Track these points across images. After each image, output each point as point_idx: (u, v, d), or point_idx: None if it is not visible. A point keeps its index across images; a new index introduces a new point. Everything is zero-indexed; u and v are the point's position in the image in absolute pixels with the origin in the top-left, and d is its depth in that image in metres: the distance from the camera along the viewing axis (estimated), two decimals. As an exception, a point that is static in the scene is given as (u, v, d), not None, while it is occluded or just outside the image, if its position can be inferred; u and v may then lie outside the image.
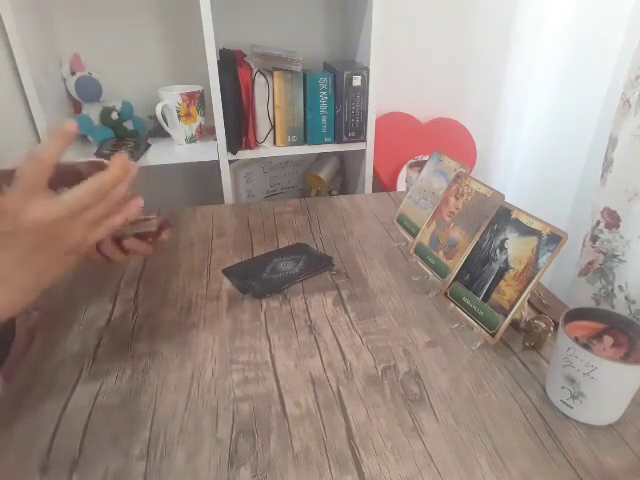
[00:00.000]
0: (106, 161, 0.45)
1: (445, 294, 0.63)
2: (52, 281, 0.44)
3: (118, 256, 0.56)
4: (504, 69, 1.38)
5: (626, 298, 0.84)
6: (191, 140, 1.14)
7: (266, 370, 0.54)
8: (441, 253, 0.67)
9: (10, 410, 0.49)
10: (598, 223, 0.86)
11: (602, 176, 0.85)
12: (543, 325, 0.56)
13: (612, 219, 0.83)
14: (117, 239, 0.55)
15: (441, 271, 0.66)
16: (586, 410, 0.46)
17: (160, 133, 1.15)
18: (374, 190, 1.20)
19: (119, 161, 0.43)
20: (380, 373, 0.53)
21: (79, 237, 0.43)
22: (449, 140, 1.40)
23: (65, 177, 0.46)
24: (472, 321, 0.58)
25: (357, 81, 1.07)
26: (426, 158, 0.79)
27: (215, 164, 1.09)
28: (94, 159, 0.45)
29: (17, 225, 0.39)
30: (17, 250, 0.40)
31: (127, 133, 1.15)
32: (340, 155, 1.36)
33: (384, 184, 1.35)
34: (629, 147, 0.79)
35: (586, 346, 0.45)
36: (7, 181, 0.41)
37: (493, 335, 0.55)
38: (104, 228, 0.44)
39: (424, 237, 0.71)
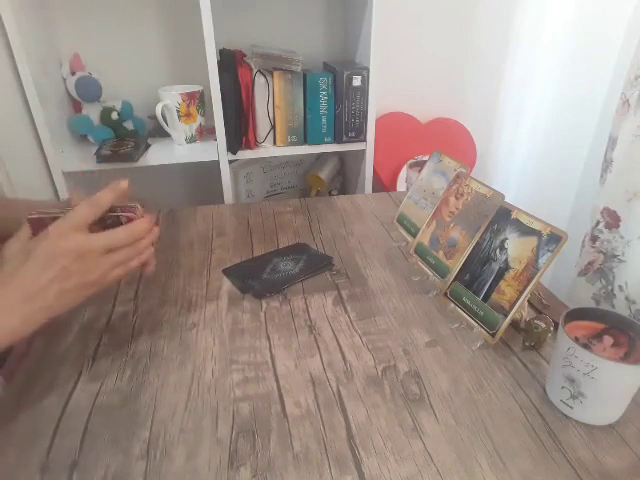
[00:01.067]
0: (139, 206, 0.53)
1: (445, 294, 0.63)
2: (63, 310, 0.47)
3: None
4: (504, 69, 1.38)
5: (626, 298, 0.84)
6: (191, 140, 1.14)
7: (266, 370, 0.54)
8: (441, 253, 0.67)
9: (10, 410, 0.49)
10: (598, 223, 0.86)
11: (602, 176, 0.85)
12: (543, 325, 0.56)
13: (612, 219, 0.83)
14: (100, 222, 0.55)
15: (441, 271, 0.66)
16: (586, 410, 0.46)
17: (160, 133, 1.15)
18: (374, 190, 1.20)
19: (148, 218, 0.52)
20: (380, 373, 0.53)
21: (105, 273, 0.49)
22: (449, 140, 1.40)
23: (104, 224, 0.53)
24: (472, 321, 0.58)
25: (357, 81, 1.07)
26: (426, 158, 0.79)
27: (215, 164, 1.09)
28: (128, 205, 0.53)
29: (57, 250, 0.45)
30: (49, 272, 0.45)
31: (127, 133, 1.15)
32: (340, 155, 1.36)
33: (384, 184, 1.35)
34: (629, 147, 0.79)
35: (586, 346, 0.45)
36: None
37: (493, 335, 0.55)
38: (124, 271, 0.51)
39: (424, 237, 0.71)
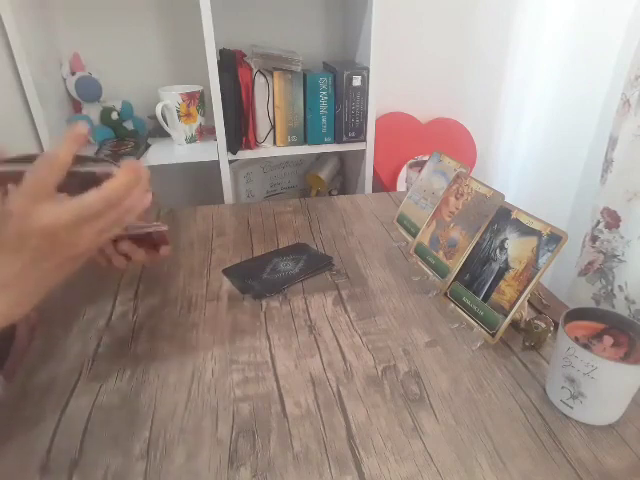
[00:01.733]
0: (115, 167, 0.43)
1: (445, 294, 0.63)
2: (52, 287, 0.43)
3: (118, 260, 0.56)
4: (504, 69, 1.38)
5: (626, 298, 0.84)
6: (191, 140, 1.14)
7: (266, 370, 0.54)
8: (441, 253, 0.67)
9: (10, 410, 0.49)
10: (598, 223, 0.86)
11: (602, 176, 0.85)
12: (543, 325, 0.56)
13: (612, 219, 0.83)
14: (113, 241, 0.55)
15: (441, 271, 0.66)
16: (586, 410, 0.46)
17: (160, 133, 1.15)
18: (374, 190, 1.20)
19: (129, 167, 0.42)
20: (380, 373, 0.53)
21: (86, 244, 0.42)
22: (449, 140, 1.40)
23: (78, 182, 0.44)
24: (472, 321, 0.58)
25: (357, 81, 1.07)
26: (426, 158, 0.79)
27: (215, 164, 1.09)
28: (104, 165, 0.44)
29: (23, 230, 0.39)
30: (21, 256, 0.39)
31: (127, 133, 1.15)
32: (340, 155, 1.36)
33: (384, 184, 1.35)
34: (629, 147, 0.79)
35: (586, 346, 0.45)
36: (15, 181, 0.39)
37: (493, 335, 0.55)
38: (110, 234, 0.44)
39: (424, 237, 0.71)
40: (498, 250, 0.57)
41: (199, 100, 1.10)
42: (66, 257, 0.42)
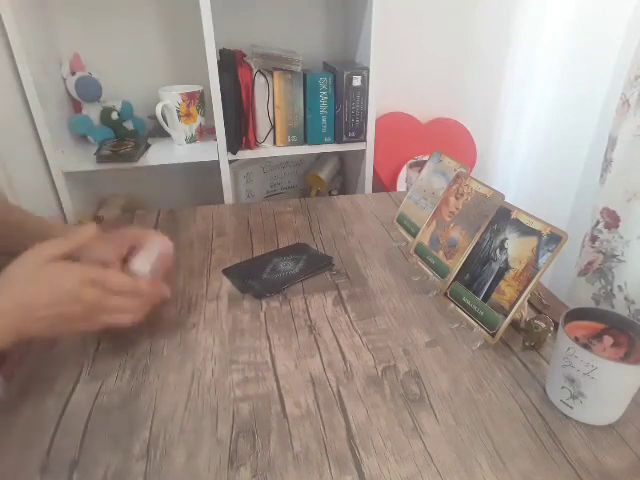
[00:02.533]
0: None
1: (445, 294, 0.63)
2: (34, 335, 0.47)
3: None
4: (504, 69, 1.38)
5: (625, 298, 0.84)
6: (191, 140, 1.14)
7: (266, 370, 0.54)
8: (441, 253, 0.67)
9: (10, 410, 0.49)
10: (597, 223, 0.86)
11: (601, 176, 0.85)
12: (543, 325, 0.56)
13: (611, 219, 0.83)
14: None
15: (441, 271, 0.66)
16: (586, 410, 0.46)
17: (160, 133, 1.15)
18: (374, 190, 1.20)
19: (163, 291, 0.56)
20: (380, 373, 0.53)
21: (89, 309, 0.49)
22: (449, 140, 1.40)
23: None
24: (472, 321, 0.58)
25: (357, 81, 1.07)
26: (426, 158, 0.79)
27: (215, 164, 1.09)
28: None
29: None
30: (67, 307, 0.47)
31: (127, 133, 1.15)
32: (340, 155, 1.36)
33: (384, 184, 1.35)
34: (629, 147, 0.79)
35: (586, 346, 0.45)
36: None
37: (493, 335, 0.55)
38: (112, 319, 0.51)
39: (424, 237, 0.71)
40: (498, 250, 0.57)
41: (199, 100, 1.10)
42: (73, 312, 0.48)
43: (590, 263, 0.89)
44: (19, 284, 0.45)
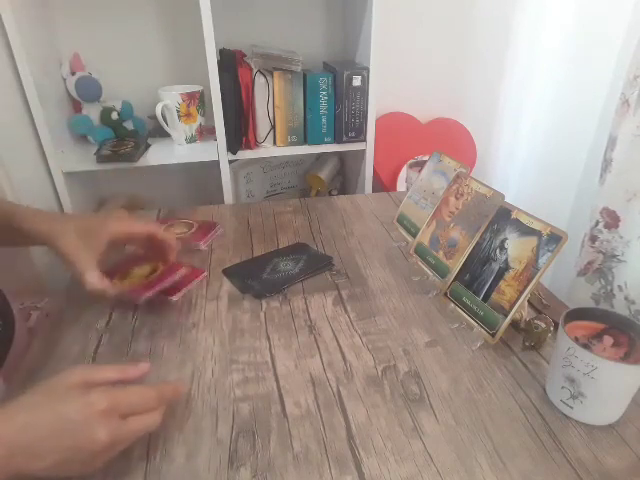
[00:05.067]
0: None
1: (445, 294, 0.63)
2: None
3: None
4: (504, 69, 1.38)
5: (625, 298, 0.84)
6: (191, 140, 1.14)
7: (266, 370, 0.54)
8: (441, 253, 0.67)
9: (10, 410, 0.49)
10: (597, 223, 0.86)
11: (601, 176, 0.85)
12: (543, 325, 0.56)
13: (611, 219, 0.83)
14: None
15: (441, 271, 0.66)
16: (586, 410, 0.46)
17: (160, 133, 1.15)
18: (374, 190, 1.20)
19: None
20: (380, 373, 0.53)
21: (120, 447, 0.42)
22: (449, 140, 1.39)
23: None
24: (472, 321, 0.58)
25: (357, 81, 1.07)
26: (426, 158, 0.79)
27: (215, 164, 1.09)
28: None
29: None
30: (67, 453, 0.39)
31: (127, 133, 1.14)
32: (340, 155, 1.36)
33: (384, 184, 1.35)
34: (628, 147, 0.78)
35: (586, 346, 0.45)
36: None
37: (493, 335, 0.55)
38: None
39: (424, 237, 0.71)
40: (498, 250, 0.57)
41: (199, 100, 1.10)
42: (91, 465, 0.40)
43: (590, 263, 0.89)
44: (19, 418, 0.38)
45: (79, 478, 0.40)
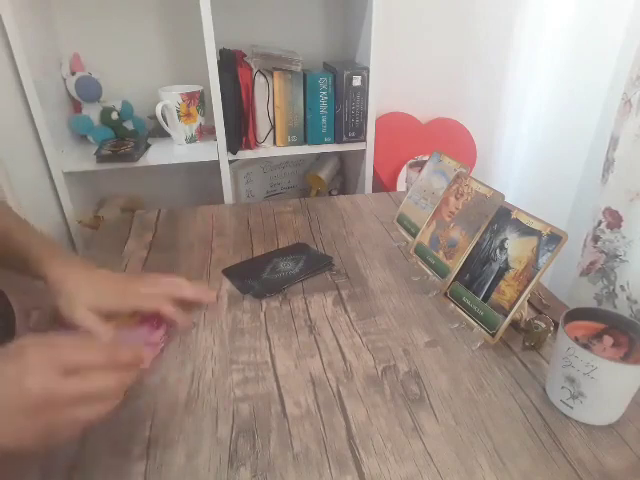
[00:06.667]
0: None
1: (445, 294, 0.62)
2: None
3: None
4: (504, 69, 1.38)
5: (628, 298, 0.84)
6: (191, 140, 1.14)
7: (266, 370, 0.54)
8: (441, 253, 0.67)
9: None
10: (600, 223, 0.86)
11: (603, 176, 0.85)
12: (543, 325, 0.56)
13: (614, 219, 0.83)
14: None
15: (441, 271, 0.66)
16: (586, 410, 0.46)
17: (160, 133, 1.15)
18: (374, 190, 1.20)
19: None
20: (380, 373, 0.53)
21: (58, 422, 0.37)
22: (449, 140, 1.40)
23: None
24: (472, 321, 0.58)
25: (357, 81, 1.07)
26: (426, 158, 0.79)
27: (215, 164, 1.09)
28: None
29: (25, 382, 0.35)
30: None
31: (127, 133, 1.15)
32: (340, 155, 1.36)
33: (384, 184, 1.35)
34: (631, 147, 0.78)
35: (586, 346, 0.45)
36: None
37: (493, 335, 0.54)
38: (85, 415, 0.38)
39: (424, 237, 0.71)
40: (498, 250, 0.57)
41: (199, 100, 1.10)
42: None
43: (592, 263, 0.89)
44: None
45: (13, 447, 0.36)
